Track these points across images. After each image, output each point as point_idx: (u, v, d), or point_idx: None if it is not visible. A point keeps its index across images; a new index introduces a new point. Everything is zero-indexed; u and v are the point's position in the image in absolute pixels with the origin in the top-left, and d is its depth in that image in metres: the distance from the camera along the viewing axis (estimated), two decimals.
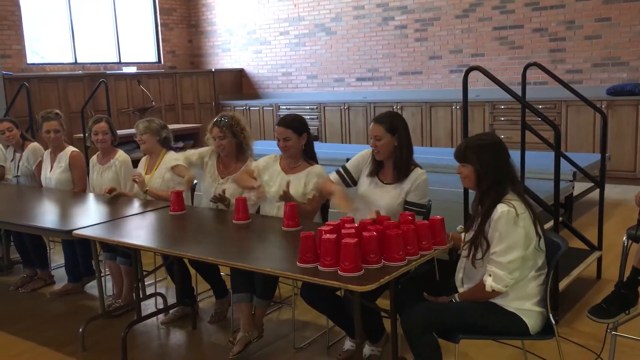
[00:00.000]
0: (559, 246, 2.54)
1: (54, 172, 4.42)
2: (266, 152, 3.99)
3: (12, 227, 3.92)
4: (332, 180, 3.25)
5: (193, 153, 3.85)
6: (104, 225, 3.40)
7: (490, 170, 2.50)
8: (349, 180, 3.25)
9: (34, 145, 4.76)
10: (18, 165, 4.74)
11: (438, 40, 8.83)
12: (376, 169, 3.17)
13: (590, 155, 6.40)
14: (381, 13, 9.29)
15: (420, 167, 3.12)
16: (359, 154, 3.27)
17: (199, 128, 8.61)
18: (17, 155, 4.78)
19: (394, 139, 3.04)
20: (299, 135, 3.37)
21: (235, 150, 3.69)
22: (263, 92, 10.89)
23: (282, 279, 3.38)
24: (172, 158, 3.92)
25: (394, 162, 3.08)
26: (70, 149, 4.46)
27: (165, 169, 3.91)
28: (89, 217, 3.71)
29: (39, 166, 4.63)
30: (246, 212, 3.23)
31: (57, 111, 4.53)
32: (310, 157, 3.47)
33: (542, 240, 2.50)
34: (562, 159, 3.52)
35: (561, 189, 3.66)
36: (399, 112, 8.55)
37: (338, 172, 3.28)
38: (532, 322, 2.49)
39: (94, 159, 4.30)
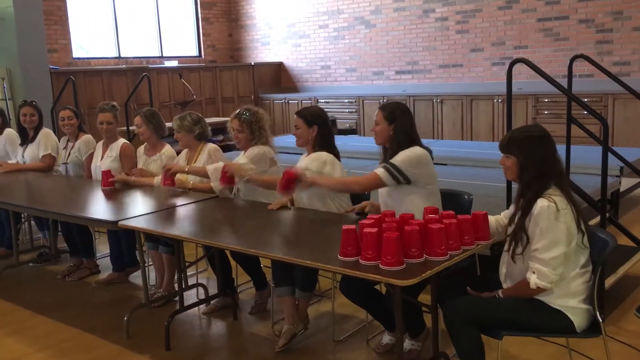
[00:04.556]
0: (607, 243, 2.48)
1: (104, 161, 4.52)
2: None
3: (60, 217, 4.03)
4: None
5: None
6: (148, 216, 3.47)
7: (533, 162, 2.45)
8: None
9: (88, 137, 4.88)
10: (69, 153, 4.87)
11: (480, 32, 8.69)
12: (385, 156, 3.19)
13: (639, 150, 6.21)
14: (421, 5, 9.19)
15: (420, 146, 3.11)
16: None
17: None
18: (70, 144, 4.91)
19: (391, 127, 3.07)
20: (308, 126, 3.42)
21: (249, 146, 3.73)
22: (302, 85, 10.91)
23: (321, 272, 3.39)
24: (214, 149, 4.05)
25: (390, 149, 3.12)
26: (122, 140, 4.58)
27: (205, 160, 3.98)
28: (135, 208, 3.80)
29: (90, 158, 4.74)
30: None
31: (114, 104, 4.63)
32: (323, 149, 3.43)
33: (585, 236, 2.44)
34: (609, 154, 3.42)
35: (608, 184, 3.57)
36: (439, 105, 8.47)
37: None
38: (578, 319, 2.44)
39: (141, 149, 4.42)
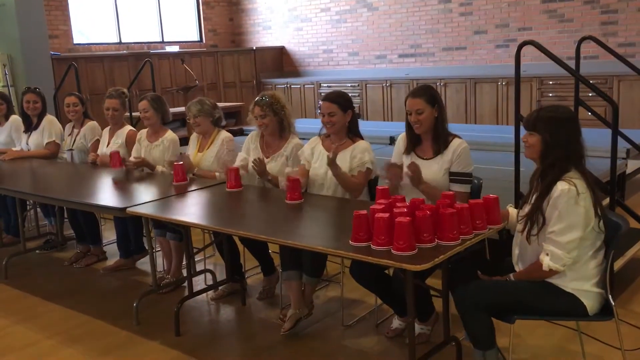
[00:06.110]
0: (619, 226, 2.47)
1: (110, 148, 4.51)
2: (307, 130, 3.95)
3: (67, 204, 4.03)
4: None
5: (240, 157, 3.86)
6: (156, 202, 3.46)
7: (558, 144, 2.41)
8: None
9: (93, 123, 4.87)
10: (74, 140, 4.86)
11: (483, 14, 8.61)
12: (412, 145, 3.13)
13: None
14: None
15: (459, 137, 3.09)
16: (395, 148, 3.26)
17: (241, 106, 8.65)
18: (75, 130, 4.90)
19: (435, 110, 3.02)
20: (344, 112, 3.37)
21: (278, 128, 3.70)
22: (304, 69, 10.84)
23: (329, 257, 3.38)
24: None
25: (434, 134, 3.05)
26: (128, 127, 4.58)
27: (219, 148, 3.97)
28: (142, 194, 3.78)
29: (95, 144, 4.75)
30: (299, 192, 3.24)
31: (124, 90, 4.61)
32: (354, 134, 3.46)
33: (601, 221, 2.43)
34: None
35: None
36: (443, 88, 8.42)
37: None
38: (591, 303, 2.44)
39: (143, 133, 4.37)
